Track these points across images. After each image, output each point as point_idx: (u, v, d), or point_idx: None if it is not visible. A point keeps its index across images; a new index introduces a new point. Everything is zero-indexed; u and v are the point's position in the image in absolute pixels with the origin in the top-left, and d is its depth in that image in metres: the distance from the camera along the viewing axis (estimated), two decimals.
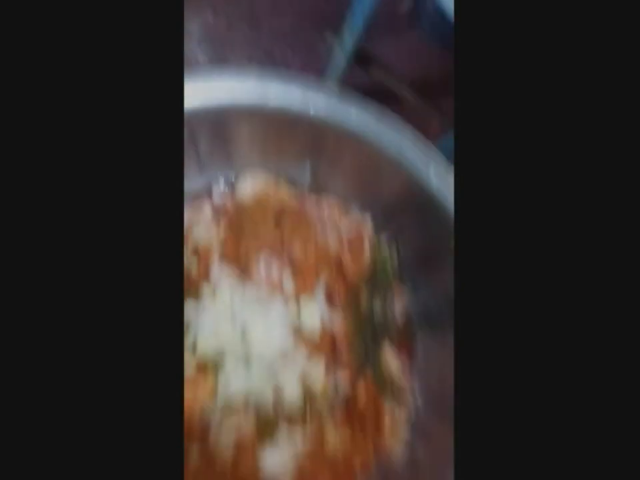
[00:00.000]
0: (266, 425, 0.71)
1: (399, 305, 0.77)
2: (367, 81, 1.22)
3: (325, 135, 0.69)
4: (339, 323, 0.75)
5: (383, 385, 0.75)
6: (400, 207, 0.72)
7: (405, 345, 0.78)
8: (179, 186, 0.42)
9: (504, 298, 0.39)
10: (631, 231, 0.37)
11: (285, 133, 0.72)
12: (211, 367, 0.70)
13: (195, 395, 0.68)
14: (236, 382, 0.70)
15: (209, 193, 0.78)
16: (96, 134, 0.38)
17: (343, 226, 0.74)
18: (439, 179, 0.64)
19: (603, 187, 0.38)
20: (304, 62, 1.41)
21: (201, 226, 0.74)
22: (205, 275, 0.73)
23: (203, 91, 0.66)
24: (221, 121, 0.70)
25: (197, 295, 0.72)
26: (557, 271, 0.38)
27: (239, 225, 0.73)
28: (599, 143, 0.38)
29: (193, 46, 1.42)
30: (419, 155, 0.64)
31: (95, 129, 0.38)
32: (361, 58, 1.18)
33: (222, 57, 1.41)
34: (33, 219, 0.36)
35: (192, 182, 0.78)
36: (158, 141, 0.40)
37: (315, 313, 0.73)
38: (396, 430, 0.76)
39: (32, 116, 0.37)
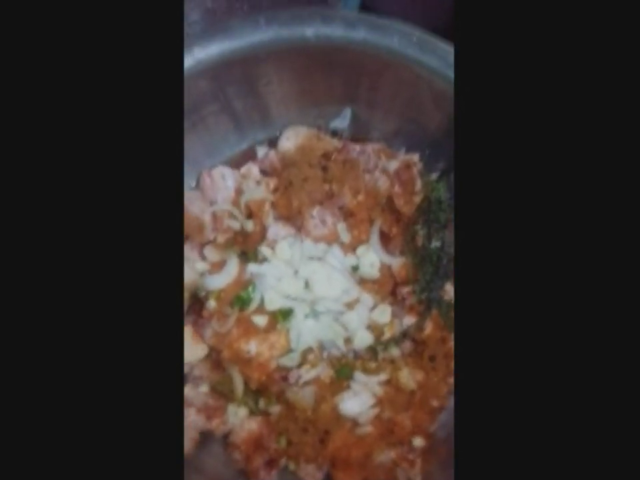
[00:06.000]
0: (341, 372, 0.72)
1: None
2: None
3: (363, 73, 0.68)
4: (398, 266, 0.75)
5: (450, 323, 0.75)
6: (448, 141, 0.71)
7: None
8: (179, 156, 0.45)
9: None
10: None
11: (321, 78, 0.70)
12: (281, 321, 0.70)
13: (269, 349, 0.68)
14: (307, 333, 0.70)
15: (252, 155, 0.78)
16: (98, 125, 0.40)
17: (391, 169, 0.74)
18: None
19: (598, 126, 0.40)
20: None
21: (251, 188, 0.74)
22: (262, 235, 0.73)
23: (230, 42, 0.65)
24: (252, 70, 0.68)
25: (256, 255, 0.73)
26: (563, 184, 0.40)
27: (287, 182, 0.73)
28: (594, 80, 0.40)
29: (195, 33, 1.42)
30: None
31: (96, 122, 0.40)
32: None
33: None
34: (37, 194, 0.39)
35: (234, 146, 0.78)
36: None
37: (373, 259, 0.73)
38: None
39: (35, 99, 0.39)
